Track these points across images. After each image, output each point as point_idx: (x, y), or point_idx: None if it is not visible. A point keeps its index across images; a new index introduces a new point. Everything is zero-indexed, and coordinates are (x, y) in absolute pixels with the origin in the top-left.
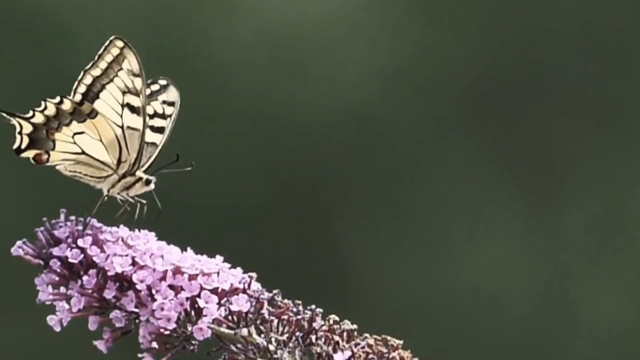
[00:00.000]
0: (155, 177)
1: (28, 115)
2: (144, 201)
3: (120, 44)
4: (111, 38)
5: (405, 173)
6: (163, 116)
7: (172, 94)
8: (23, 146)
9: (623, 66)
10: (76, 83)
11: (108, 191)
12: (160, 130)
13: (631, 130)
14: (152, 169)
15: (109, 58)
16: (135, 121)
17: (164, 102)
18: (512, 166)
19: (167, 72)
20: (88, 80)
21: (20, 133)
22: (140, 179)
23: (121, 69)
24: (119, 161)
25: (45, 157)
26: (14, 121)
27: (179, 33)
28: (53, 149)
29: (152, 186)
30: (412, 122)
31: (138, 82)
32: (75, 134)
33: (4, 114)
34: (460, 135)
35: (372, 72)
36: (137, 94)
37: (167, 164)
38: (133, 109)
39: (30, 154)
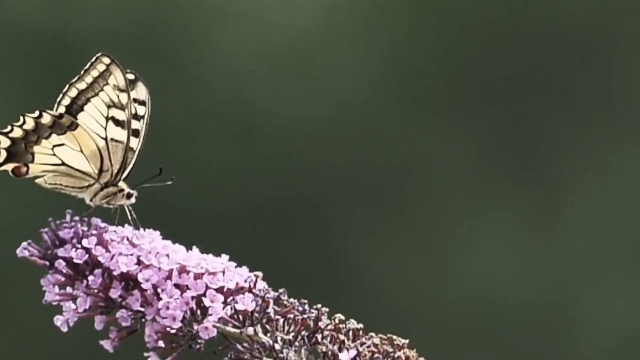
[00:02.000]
0: (137, 191)
1: (6, 130)
2: (128, 209)
3: (107, 60)
4: (98, 55)
5: (406, 174)
6: (136, 117)
7: (142, 91)
8: (1, 160)
9: (623, 65)
10: (61, 95)
11: (90, 201)
12: (135, 133)
13: (633, 130)
14: (131, 179)
15: (94, 73)
16: (119, 134)
17: (134, 100)
18: (514, 167)
19: (160, 77)
20: (73, 93)
21: None
22: (121, 190)
23: (107, 83)
24: (101, 170)
25: (24, 169)
26: None
27: (170, 39)
28: (32, 161)
29: (132, 200)
30: (411, 124)
31: (124, 97)
32: (54, 146)
33: None
34: (460, 136)
35: (367, 74)
36: (122, 108)
37: (149, 178)
38: (117, 122)
39: (8, 167)
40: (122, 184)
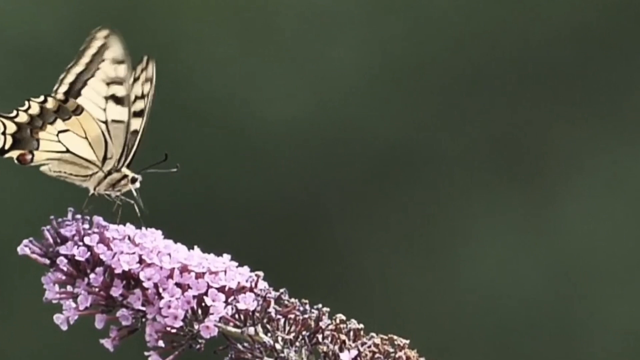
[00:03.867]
0: (141, 176)
1: (12, 115)
2: (132, 201)
3: (104, 33)
4: (93, 30)
5: (406, 175)
6: (142, 96)
7: (150, 69)
8: (7, 146)
9: (621, 62)
10: (57, 84)
11: (94, 189)
12: (140, 113)
13: (633, 127)
14: (135, 165)
15: (91, 51)
16: (120, 113)
17: (146, 79)
18: (515, 167)
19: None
20: (70, 78)
21: (3, 133)
22: (125, 176)
23: (104, 59)
24: (105, 158)
25: (29, 157)
26: None
27: (154, 41)
28: (37, 148)
29: (137, 185)
30: (409, 125)
31: (121, 70)
32: (59, 132)
33: None
34: (460, 137)
35: (364, 73)
36: (121, 82)
37: (154, 164)
38: (118, 100)
39: (14, 154)
40: (125, 170)
